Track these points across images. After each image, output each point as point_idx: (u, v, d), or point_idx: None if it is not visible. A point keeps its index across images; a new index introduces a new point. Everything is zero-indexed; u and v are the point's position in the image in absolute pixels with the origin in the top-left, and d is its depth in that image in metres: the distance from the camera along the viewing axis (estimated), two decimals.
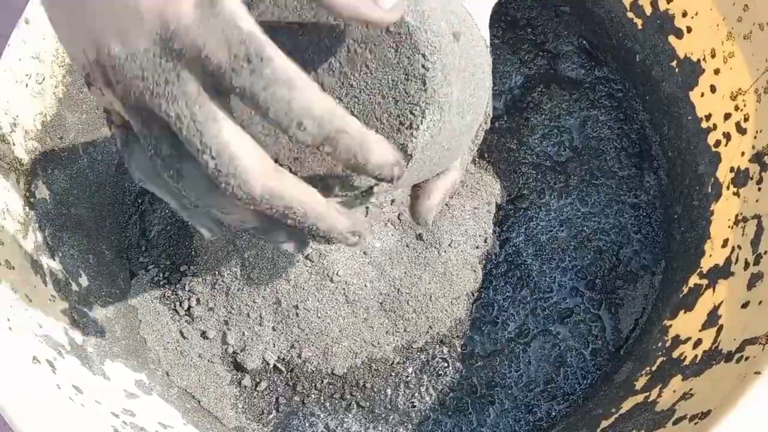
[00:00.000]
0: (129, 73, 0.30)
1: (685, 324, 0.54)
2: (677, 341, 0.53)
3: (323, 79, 0.35)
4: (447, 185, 0.43)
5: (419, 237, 0.60)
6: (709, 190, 0.57)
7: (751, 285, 0.48)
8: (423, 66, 0.34)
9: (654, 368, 0.53)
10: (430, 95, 0.35)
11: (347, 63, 0.35)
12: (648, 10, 0.61)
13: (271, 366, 0.58)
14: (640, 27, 0.63)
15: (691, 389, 0.47)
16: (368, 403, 0.58)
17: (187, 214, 0.36)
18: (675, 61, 0.60)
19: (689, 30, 0.58)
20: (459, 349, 0.59)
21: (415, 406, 0.58)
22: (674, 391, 0.48)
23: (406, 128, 0.35)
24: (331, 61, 0.35)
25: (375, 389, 0.58)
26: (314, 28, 0.35)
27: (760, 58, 0.51)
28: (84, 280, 0.56)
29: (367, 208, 0.61)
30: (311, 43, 0.35)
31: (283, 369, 0.58)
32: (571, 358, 0.59)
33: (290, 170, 0.35)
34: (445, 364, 0.59)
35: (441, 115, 0.36)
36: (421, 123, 0.35)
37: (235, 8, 0.29)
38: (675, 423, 0.45)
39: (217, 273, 0.60)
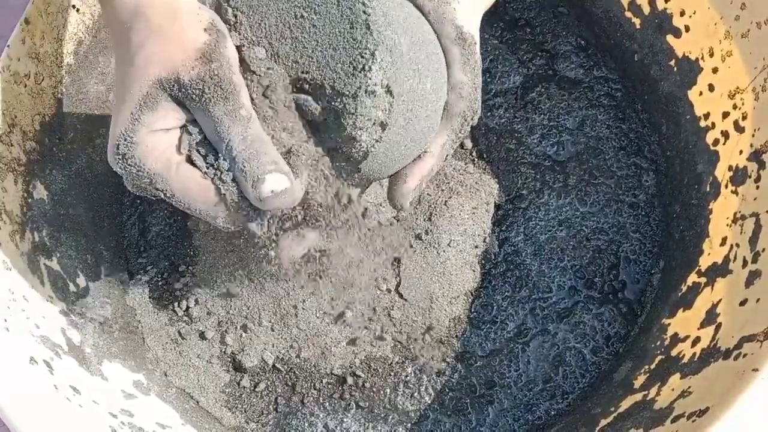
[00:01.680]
0: None
1: (684, 322, 0.54)
2: (676, 339, 0.53)
3: (278, 50, 0.40)
4: (423, 170, 0.46)
5: (418, 237, 0.60)
6: (708, 188, 0.57)
7: (749, 283, 0.48)
8: (364, 12, 0.38)
9: (653, 367, 0.53)
10: (377, 37, 0.38)
11: (297, 28, 0.39)
12: (646, 10, 0.61)
13: (270, 366, 0.58)
14: (638, 26, 0.63)
15: (689, 387, 0.47)
16: (367, 403, 0.58)
17: None
18: (673, 60, 0.60)
19: (687, 29, 0.58)
20: (458, 349, 0.59)
21: (414, 406, 0.58)
22: (673, 389, 0.48)
23: (360, 71, 0.38)
24: (282, 31, 0.39)
25: (374, 389, 0.58)
26: (262, 5, 0.40)
27: (758, 57, 0.51)
28: (82, 281, 0.56)
29: (365, 208, 0.61)
30: (263, 18, 0.40)
31: (282, 369, 0.58)
32: (570, 358, 0.59)
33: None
34: (444, 364, 0.59)
35: (392, 58, 0.39)
36: (373, 63, 0.38)
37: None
38: (673, 421, 0.45)
39: (215, 273, 0.60)
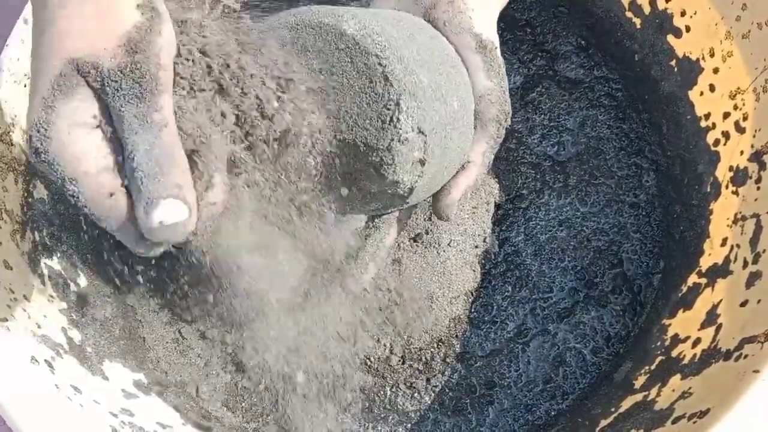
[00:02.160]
0: None
1: (684, 323, 0.54)
2: (676, 340, 0.53)
3: (310, 119, 0.38)
4: (469, 180, 0.46)
5: (418, 236, 0.60)
6: (708, 189, 0.57)
7: (749, 284, 0.48)
8: (379, 64, 0.37)
9: (653, 367, 0.53)
10: (397, 87, 0.38)
11: (320, 92, 0.38)
12: (647, 10, 0.61)
13: (271, 366, 0.58)
14: (638, 26, 0.63)
15: (690, 388, 0.47)
16: (367, 403, 0.58)
17: None
18: (674, 61, 0.60)
19: (688, 29, 0.58)
20: (458, 349, 0.59)
21: (414, 406, 0.58)
22: (673, 390, 0.48)
23: (389, 123, 0.38)
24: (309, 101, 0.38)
25: (374, 389, 0.58)
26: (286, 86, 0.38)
27: (759, 57, 0.51)
28: (83, 280, 0.56)
29: None
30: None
31: (283, 369, 0.58)
32: (570, 358, 0.59)
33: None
34: (445, 364, 0.59)
35: (416, 101, 0.38)
36: (400, 113, 0.38)
37: None
38: (674, 422, 0.45)
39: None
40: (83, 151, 0.33)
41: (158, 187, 0.32)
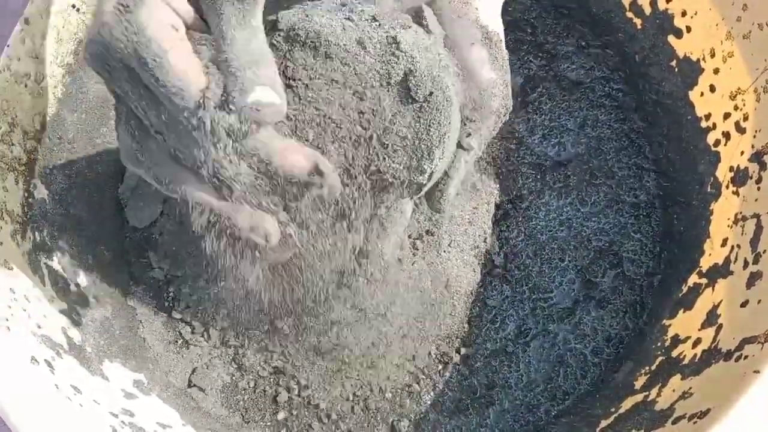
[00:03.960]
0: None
1: (685, 323, 0.54)
2: (676, 340, 0.53)
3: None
4: (460, 173, 0.45)
5: (419, 238, 0.60)
6: (709, 189, 0.57)
7: (750, 284, 0.48)
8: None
9: (653, 367, 0.53)
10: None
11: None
12: (647, 10, 0.61)
13: (272, 367, 0.58)
14: (639, 27, 0.63)
15: (690, 388, 0.47)
16: (367, 404, 0.58)
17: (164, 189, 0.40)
18: (674, 61, 0.60)
19: (689, 30, 0.58)
20: (458, 349, 0.59)
21: (414, 407, 0.58)
22: (673, 391, 0.48)
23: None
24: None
25: (374, 390, 0.58)
26: None
27: (760, 58, 0.51)
28: (83, 280, 0.56)
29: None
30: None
31: (284, 370, 0.58)
32: (571, 358, 0.59)
33: None
34: (445, 365, 0.59)
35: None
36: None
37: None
38: (674, 422, 0.45)
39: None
40: (171, 21, 0.35)
41: (254, 76, 0.34)
